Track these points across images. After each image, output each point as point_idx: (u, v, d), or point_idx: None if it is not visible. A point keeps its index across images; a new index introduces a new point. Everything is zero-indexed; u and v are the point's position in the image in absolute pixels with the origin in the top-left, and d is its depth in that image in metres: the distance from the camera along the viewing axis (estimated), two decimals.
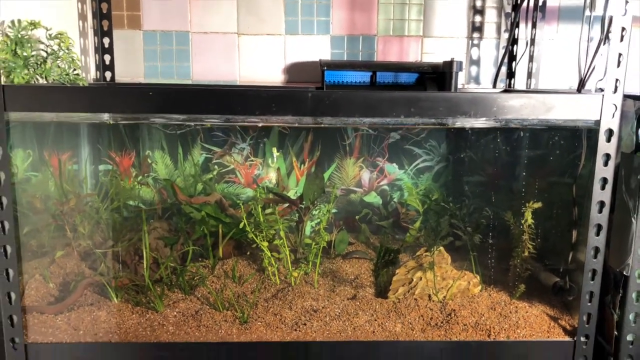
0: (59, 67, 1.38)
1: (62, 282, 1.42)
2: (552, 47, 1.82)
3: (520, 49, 1.77)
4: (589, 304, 1.25)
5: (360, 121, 1.23)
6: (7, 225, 1.17)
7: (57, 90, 1.17)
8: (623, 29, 1.15)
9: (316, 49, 1.79)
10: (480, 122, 1.27)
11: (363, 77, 1.65)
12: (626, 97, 1.18)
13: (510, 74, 1.81)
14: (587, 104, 1.18)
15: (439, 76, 1.63)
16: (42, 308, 1.30)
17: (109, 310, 1.32)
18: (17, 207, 1.19)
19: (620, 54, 1.16)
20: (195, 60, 1.77)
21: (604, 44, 1.19)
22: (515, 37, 1.76)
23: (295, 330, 1.29)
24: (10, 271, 1.19)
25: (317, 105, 1.17)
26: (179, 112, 1.19)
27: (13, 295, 1.20)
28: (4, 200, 1.16)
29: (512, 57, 1.80)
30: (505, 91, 1.79)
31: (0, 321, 1.22)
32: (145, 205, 1.66)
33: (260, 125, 1.68)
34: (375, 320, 1.32)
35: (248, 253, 1.60)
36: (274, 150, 1.72)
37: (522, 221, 1.38)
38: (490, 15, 1.82)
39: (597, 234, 1.22)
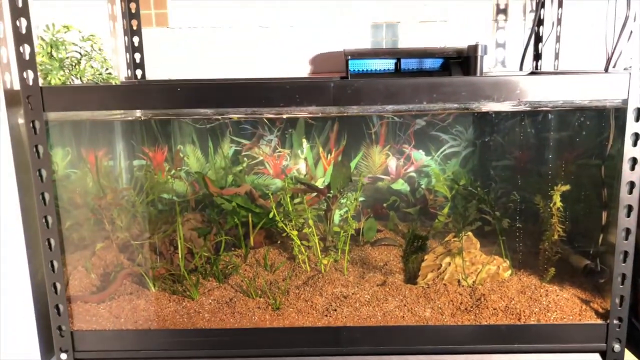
0: (92, 67, 1.44)
1: (103, 273, 1.49)
2: (579, 26, 1.79)
3: (547, 29, 1.74)
4: (621, 286, 1.24)
5: (383, 108, 1.24)
6: (50, 219, 1.24)
7: (91, 90, 1.22)
8: None
9: (341, 38, 1.81)
10: (505, 106, 1.27)
11: (387, 64, 1.65)
12: None
13: (537, 56, 1.78)
14: (614, 83, 1.17)
15: (464, 61, 1.62)
16: (85, 297, 1.37)
17: (148, 299, 1.38)
18: (58, 202, 1.26)
19: None
20: (221, 55, 1.80)
21: (634, 21, 1.17)
22: (541, 17, 1.73)
23: (326, 316, 1.32)
24: (55, 263, 1.26)
25: (340, 94, 1.19)
26: (206, 106, 1.23)
27: (58, 286, 1.27)
28: (47, 196, 1.23)
29: (538, 39, 1.77)
30: (531, 73, 1.77)
31: (47, 310, 1.29)
32: (178, 198, 1.71)
33: (285, 117, 1.71)
34: (405, 305, 1.34)
35: (278, 242, 1.64)
36: (304, 141, 1.74)
37: (551, 204, 1.37)
38: None
39: (628, 215, 1.21)
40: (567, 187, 1.35)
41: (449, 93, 1.19)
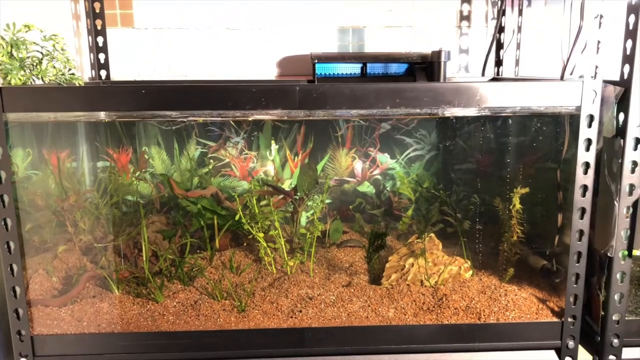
0: (54, 67, 1.41)
1: (65, 276, 1.47)
2: (539, 34, 1.85)
3: (508, 37, 1.80)
4: (575, 285, 1.29)
5: (349, 112, 1.26)
6: (9, 222, 1.21)
7: (53, 91, 1.20)
8: (600, 16, 1.18)
9: (308, 41, 1.82)
10: (466, 111, 1.30)
11: (353, 68, 1.69)
12: (606, 82, 1.22)
13: (498, 62, 1.84)
14: (568, 91, 1.21)
15: (428, 66, 1.66)
16: (46, 301, 1.34)
17: (111, 302, 1.37)
18: (18, 204, 1.23)
19: (598, 41, 1.19)
20: (187, 57, 1.80)
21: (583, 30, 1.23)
22: (502, 25, 1.79)
23: (292, 317, 1.34)
24: (15, 266, 1.24)
25: (306, 98, 1.21)
26: (172, 108, 1.23)
27: (18, 290, 1.25)
28: (6, 198, 1.20)
29: (499, 45, 1.82)
30: (493, 79, 1.83)
31: (6, 314, 1.26)
32: (143, 200, 1.70)
33: (251, 119, 1.72)
34: (369, 306, 1.37)
35: (245, 244, 1.64)
36: (273, 143, 1.75)
37: (510, 206, 1.41)
38: (478, 4, 1.85)
39: (581, 217, 1.26)
40: (526, 190, 1.40)
41: (412, 98, 1.22)
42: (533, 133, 1.55)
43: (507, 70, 1.84)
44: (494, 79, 1.82)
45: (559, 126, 1.37)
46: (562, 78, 1.34)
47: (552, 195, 1.38)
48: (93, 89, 1.32)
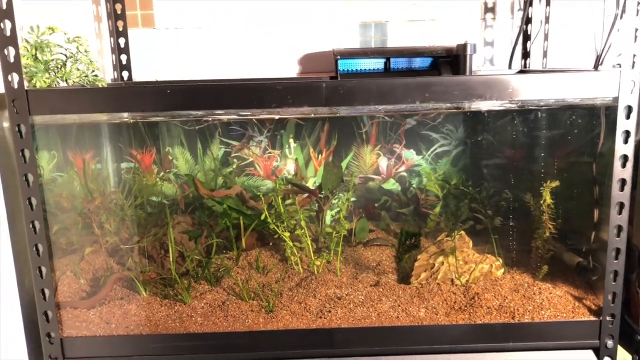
0: (78, 69, 1.41)
1: (92, 277, 1.47)
2: (568, 24, 1.80)
3: (535, 28, 1.75)
4: (614, 282, 1.24)
5: (376, 109, 1.23)
6: (37, 224, 1.21)
7: (79, 93, 1.20)
8: (638, 2, 1.13)
9: (329, 37, 1.80)
10: (496, 105, 1.27)
11: (377, 64, 1.66)
12: None
13: (526, 54, 1.79)
14: (605, 81, 1.17)
15: (453, 59, 1.63)
16: (75, 303, 1.34)
17: (139, 303, 1.36)
18: (45, 207, 1.23)
19: (636, 29, 1.14)
20: (208, 56, 1.78)
21: (620, 18, 1.18)
22: (529, 15, 1.74)
23: (320, 317, 1.31)
24: (43, 269, 1.23)
25: (332, 94, 1.18)
26: (197, 108, 1.22)
27: (47, 292, 1.25)
28: (34, 200, 1.20)
29: (526, 37, 1.78)
30: (520, 72, 1.78)
31: (35, 316, 1.26)
32: (168, 201, 1.69)
33: (277, 117, 1.70)
34: (399, 305, 1.34)
35: (270, 244, 1.62)
36: (291, 140, 1.73)
37: (541, 201, 1.37)
38: None
39: (620, 212, 1.21)
40: (556, 184, 1.36)
41: (441, 92, 1.19)
42: (566, 126, 1.50)
43: (534, 63, 1.79)
44: (521, 72, 1.78)
45: (594, 118, 1.33)
46: (596, 68, 1.29)
47: (588, 190, 1.33)
48: (118, 89, 1.31)
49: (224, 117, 1.65)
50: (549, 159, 1.52)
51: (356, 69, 1.67)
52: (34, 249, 1.22)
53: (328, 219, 1.68)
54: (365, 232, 1.65)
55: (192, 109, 1.22)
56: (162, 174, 1.71)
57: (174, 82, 1.75)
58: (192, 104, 1.20)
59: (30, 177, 1.19)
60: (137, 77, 1.78)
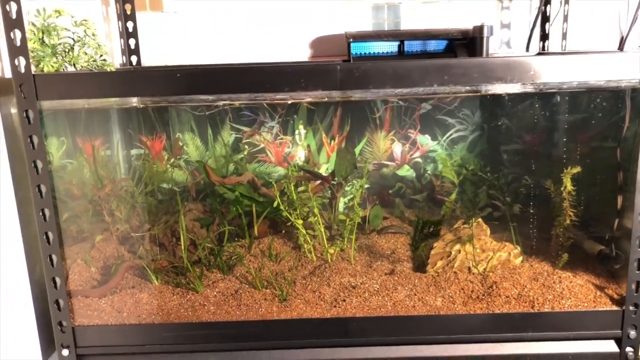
0: (86, 53, 1.38)
1: (103, 265, 1.45)
2: (588, 6, 1.74)
3: (554, 9, 1.69)
4: (638, 271, 1.21)
5: (391, 92, 1.19)
6: (47, 212, 1.19)
7: (87, 77, 1.17)
8: None
9: (341, 20, 1.75)
10: (516, 88, 1.22)
11: (390, 47, 1.61)
12: None
13: (544, 36, 1.73)
14: (630, 63, 1.12)
15: (469, 42, 1.57)
16: (86, 292, 1.33)
17: (151, 292, 1.34)
18: (55, 194, 1.21)
19: None
20: (218, 40, 1.74)
21: None
22: None
23: (335, 306, 1.29)
24: (54, 257, 1.22)
25: (347, 78, 1.15)
26: (207, 92, 1.19)
27: (58, 280, 1.23)
28: (43, 188, 1.18)
29: (545, 18, 1.72)
30: (539, 54, 1.73)
31: (47, 305, 1.25)
32: (178, 188, 1.66)
33: (289, 102, 1.66)
34: (415, 294, 1.31)
35: (283, 231, 1.60)
36: (301, 126, 1.69)
37: (562, 188, 1.33)
38: None
39: None
40: (577, 170, 1.31)
41: (459, 75, 1.15)
42: (588, 109, 1.45)
43: (553, 45, 1.73)
44: (540, 54, 1.72)
45: (618, 101, 1.28)
46: (621, 49, 1.24)
47: (611, 175, 1.29)
48: (127, 73, 1.29)
49: (236, 102, 1.61)
50: (570, 144, 1.47)
51: (369, 52, 1.63)
52: (44, 237, 1.20)
53: (341, 206, 1.65)
54: (379, 219, 1.61)
55: (202, 93, 1.19)
56: (172, 160, 1.68)
57: (184, 66, 1.72)
58: (202, 87, 1.16)
59: (39, 164, 1.17)
60: (146, 61, 1.74)
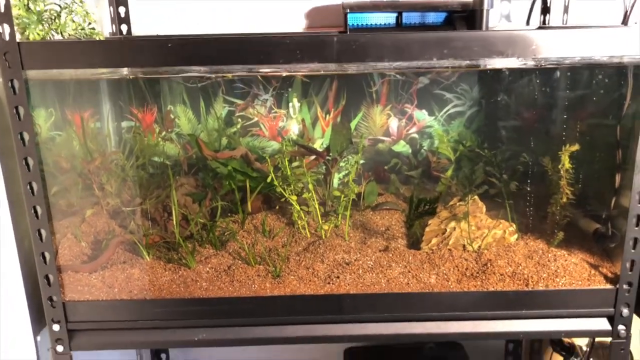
0: (73, 21, 1.33)
1: (94, 240, 1.43)
2: None
3: None
4: (633, 250, 1.20)
5: (390, 66, 1.16)
6: (35, 186, 1.16)
7: (75, 46, 1.12)
8: None
9: None
10: (516, 63, 1.19)
11: (388, 18, 1.58)
12: None
13: (545, 9, 1.69)
14: (635, 38, 1.09)
15: (469, 15, 1.54)
16: (76, 267, 1.31)
17: (142, 267, 1.33)
18: (43, 167, 1.18)
19: None
20: (210, 10, 1.69)
21: None
22: None
23: (329, 283, 1.28)
24: (43, 231, 1.19)
25: (344, 50, 1.11)
26: (200, 63, 1.14)
27: (47, 255, 1.21)
28: (30, 161, 1.15)
29: None
30: (539, 28, 1.69)
31: (36, 280, 1.23)
32: (170, 161, 1.63)
33: (284, 75, 1.62)
34: (409, 272, 1.30)
35: (277, 207, 1.58)
36: (295, 99, 1.66)
37: (559, 166, 1.31)
38: None
39: None
40: (576, 148, 1.30)
41: (460, 48, 1.11)
42: (589, 85, 1.43)
43: (554, 19, 1.69)
44: (540, 28, 1.68)
45: (620, 77, 1.26)
46: (625, 24, 1.21)
47: (609, 153, 1.27)
48: (117, 42, 1.24)
49: (229, 74, 1.57)
50: (569, 121, 1.45)
51: (366, 24, 1.59)
52: (32, 211, 1.18)
53: (335, 182, 1.63)
54: (374, 195, 1.59)
55: (195, 64, 1.15)
56: (163, 133, 1.65)
57: (176, 36, 1.67)
58: (194, 58, 1.12)
59: (26, 136, 1.13)
60: (137, 31, 1.69)
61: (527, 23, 1.70)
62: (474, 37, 1.12)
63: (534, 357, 1.88)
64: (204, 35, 1.59)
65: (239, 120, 1.67)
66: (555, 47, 1.11)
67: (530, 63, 1.21)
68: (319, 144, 1.67)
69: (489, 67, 1.44)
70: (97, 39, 1.41)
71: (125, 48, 1.12)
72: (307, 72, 1.60)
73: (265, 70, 1.20)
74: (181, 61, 1.12)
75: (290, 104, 1.66)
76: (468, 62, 1.18)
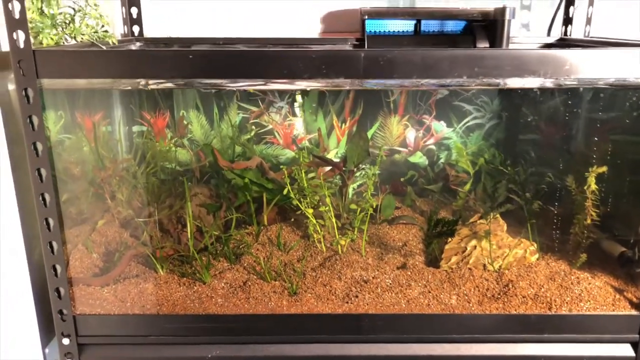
0: (87, 25, 1.29)
1: (105, 252, 1.39)
2: None
3: None
4: None
5: (418, 83, 1.12)
6: (47, 197, 1.12)
7: (92, 55, 1.07)
8: None
9: None
10: (549, 83, 1.15)
11: (407, 25, 1.54)
12: None
13: (567, 20, 1.66)
14: None
15: (489, 24, 1.51)
16: (88, 280, 1.27)
17: (156, 282, 1.29)
18: (54, 173, 1.14)
19: None
20: (223, 11, 1.64)
21: None
22: None
23: (347, 302, 1.25)
24: (54, 244, 1.15)
25: (371, 65, 1.07)
26: (221, 76, 1.10)
27: (58, 268, 1.17)
28: (43, 172, 1.11)
29: (569, 1, 1.64)
30: (560, 40, 1.65)
31: (46, 293, 1.19)
32: (181, 168, 1.59)
33: (309, 89, 1.57)
34: (429, 292, 1.27)
35: (292, 220, 1.54)
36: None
37: (585, 187, 1.28)
38: None
39: None
40: (603, 170, 1.26)
41: (492, 67, 1.08)
42: (616, 102, 1.39)
43: (576, 30, 1.66)
44: (561, 40, 1.65)
45: None
46: None
47: (637, 175, 1.24)
48: (137, 53, 1.20)
49: (250, 88, 1.52)
50: (595, 139, 1.42)
51: (384, 31, 1.56)
52: (44, 223, 1.14)
53: (350, 191, 1.59)
54: (392, 209, 1.56)
55: (215, 77, 1.11)
56: (174, 139, 1.60)
57: (188, 39, 1.62)
58: (215, 71, 1.08)
59: (39, 146, 1.09)
60: (149, 32, 1.64)
61: (548, 34, 1.67)
62: (508, 55, 1.08)
63: None
64: (222, 41, 1.54)
65: (253, 127, 1.63)
66: (590, 67, 1.07)
67: (562, 83, 1.17)
68: (333, 154, 1.64)
69: (518, 86, 1.40)
70: (111, 42, 1.37)
71: (145, 59, 1.08)
72: (332, 88, 1.56)
73: (286, 85, 1.16)
74: (203, 74, 1.08)
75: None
76: (498, 81, 1.14)
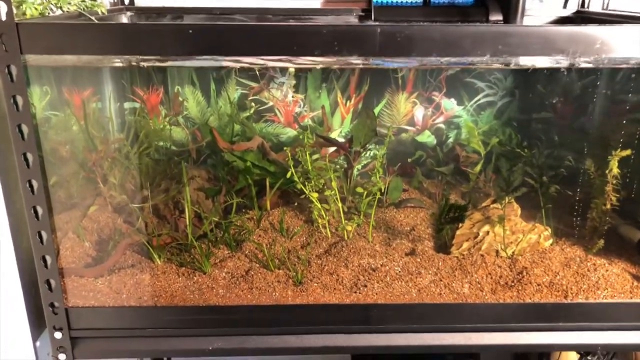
0: None
1: (98, 240, 1.31)
2: None
3: None
4: None
5: (438, 61, 1.04)
6: (35, 184, 1.04)
7: (82, 29, 0.97)
8: None
9: None
10: (579, 62, 1.08)
11: None
12: None
13: None
14: None
15: None
16: (81, 271, 1.19)
17: (153, 272, 1.22)
18: (41, 154, 1.04)
19: None
20: None
21: None
22: None
23: (355, 292, 1.19)
24: (44, 234, 1.07)
25: (388, 42, 0.99)
26: (224, 53, 1.01)
27: (49, 259, 1.09)
28: (30, 156, 1.02)
29: None
30: (577, 12, 1.57)
31: (36, 284, 1.12)
32: (177, 147, 1.50)
33: (319, 67, 1.48)
34: (441, 280, 1.22)
35: (295, 204, 1.47)
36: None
37: (607, 171, 1.22)
38: None
39: None
40: (627, 153, 1.20)
41: (517, 45, 1.00)
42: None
43: (594, 2, 1.57)
44: (578, 12, 1.57)
45: None
46: None
47: None
48: (132, 27, 1.10)
49: (256, 65, 1.42)
50: (615, 120, 1.35)
51: (392, 1, 1.47)
52: (32, 211, 1.05)
53: (355, 175, 1.52)
54: (399, 191, 1.49)
55: (218, 54, 1.01)
56: (169, 117, 1.51)
57: (182, 8, 1.51)
58: (218, 48, 0.99)
59: (25, 129, 1.00)
60: (140, 1, 1.53)
61: (564, 6, 1.58)
62: (534, 33, 0.99)
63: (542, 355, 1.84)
64: (222, 14, 1.44)
65: (252, 104, 1.54)
66: (623, 45, 0.99)
67: (589, 63, 1.10)
68: (337, 133, 1.55)
69: (546, 66, 1.31)
70: (100, 11, 1.26)
71: (141, 33, 0.98)
72: (343, 66, 1.46)
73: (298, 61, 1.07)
74: (204, 51, 0.99)
75: (312, 91, 1.52)
76: (522, 59, 1.06)
